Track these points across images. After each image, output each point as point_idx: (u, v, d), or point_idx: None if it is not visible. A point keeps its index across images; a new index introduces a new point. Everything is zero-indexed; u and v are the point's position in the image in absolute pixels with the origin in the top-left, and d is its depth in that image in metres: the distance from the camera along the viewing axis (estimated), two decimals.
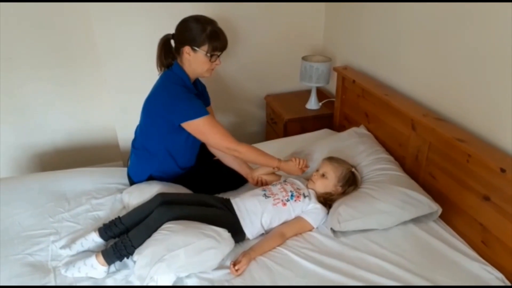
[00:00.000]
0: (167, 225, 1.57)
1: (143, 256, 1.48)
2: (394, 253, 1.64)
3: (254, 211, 1.72)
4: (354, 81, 2.41)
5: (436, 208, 1.77)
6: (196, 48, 1.78)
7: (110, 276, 1.54)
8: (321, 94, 2.95)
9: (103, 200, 1.95)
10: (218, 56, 1.85)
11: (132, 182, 2.01)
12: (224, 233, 1.57)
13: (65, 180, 2.06)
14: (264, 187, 1.86)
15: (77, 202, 1.92)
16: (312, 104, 2.80)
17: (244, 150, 1.85)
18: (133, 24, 2.47)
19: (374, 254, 1.63)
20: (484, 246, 1.65)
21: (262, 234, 1.75)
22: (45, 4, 2.39)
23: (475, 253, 1.66)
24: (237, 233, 1.67)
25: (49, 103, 2.67)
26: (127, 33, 2.48)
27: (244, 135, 3.04)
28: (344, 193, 1.85)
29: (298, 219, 1.76)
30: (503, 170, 1.50)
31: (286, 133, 2.70)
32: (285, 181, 1.90)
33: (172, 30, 1.87)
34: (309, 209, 1.77)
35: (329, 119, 2.75)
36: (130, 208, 1.77)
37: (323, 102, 2.83)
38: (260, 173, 1.98)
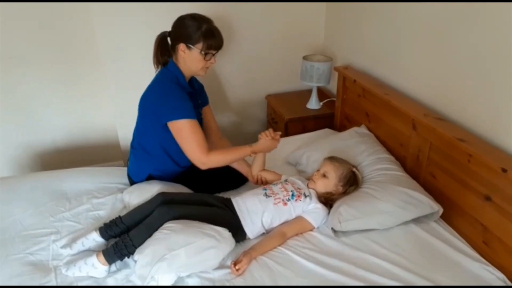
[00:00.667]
0: (167, 225, 1.57)
1: (144, 256, 1.48)
2: (395, 253, 1.63)
3: (255, 210, 1.72)
4: (355, 80, 2.41)
5: (437, 208, 1.77)
6: (191, 45, 1.78)
7: (111, 276, 1.54)
8: (322, 93, 2.95)
9: (104, 199, 1.95)
10: (213, 54, 1.84)
11: (132, 182, 2.02)
12: (225, 233, 1.57)
13: (66, 179, 2.06)
14: (265, 186, 1.86)
15: (78, 201, 1.92)
16: (313, 103, 2.80)
17: (214, 157, 1.80)
18: (134, 23, 2.47)
19: (375, 254, 1.63)
20: (485, 246, 1.65)
21: (263, 233, 1.75)
22: (46, 3, 2.39)
23: (476, 253, 1.66)
24: (238, 233, 1.67)
25: (50, 102, 2.67)
26: (128, 32, 2.48)
27: (244, 135, 3.04)
28: (345, 193, 1.84)
29: (299, 218, 1.76)
30: (504, 170, 1.50)
31: (287, 133, 2.70)
32: (286, 180, 1.90)
33: None
34: (310, 209, 1.77)
35: (330, 118, 2.75)
36: (131, 208, 1.77)
37: (324, 101, 2.83)
38: (256, 171, 1.97)
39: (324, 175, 1.85)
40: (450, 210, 1.79)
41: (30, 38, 2.46)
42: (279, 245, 1.67)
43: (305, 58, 2.68)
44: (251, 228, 1.71)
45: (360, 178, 1.92)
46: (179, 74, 1.85)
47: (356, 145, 2.16)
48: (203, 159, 1.79)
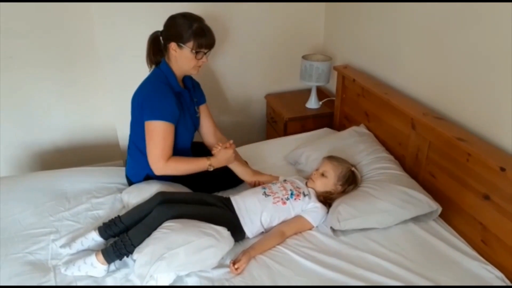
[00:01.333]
0: (166, 224, 1.57)
1: (143, 255, 1.48)
2: (394, 252, 1.64)
3: (254, 209, 1.72)
4: (354, 80, 2.41)
5: (436, 207, 1.77)
6: (182, 44, 1.78)
7: (110, 275, 1.54)
8: (321, 93, 2.95)
9: (103, 199, 1.95)
10: (205, 53, 1.83)
11: (130, 183, 2.01)
12: (224, 232, 1.57)
13: (66, 179, 2.06)
14: (264, 185, 1.86)
15: (77, 201, 1.92)
16: (312, 103, 2.80)
17: (171, 164, 1.80)
18: (134, 24, 2.47)
19: (374, 253, 1.63)
20: (484, 245, 1.65)
21: (262, 232, 1.75)
22: (46, 4, 2.39)
23: (475, 252, 1.66)
24: (237, 232, 1.67)
25: (50, 102, 2.67)
26: (128, 33, 2.48)
27: (244, 135, 3.04)
28: (344, 192, 1.85)
29: (298, 218, 1.76)
30: (503, 169, 1.50)
31: (286, 132, 2.70)
32: (285, 180, 1.90)
33: None
34: (309, 208, 1.77)
35: (329, 118, 2.75)
36: (130, 208, 1.77)
37: (323, 101, 2.83)
38: (247, 178, 1.97)
39: (323, 174, 1.85)
40: (449, 209, 1.79)
41: (30, 38, 2.46)
42: (278, 244, 1.67)
43: (304, 57, 2.68)
44: (250, 227, 1.71)
45: (359, 177, 1.92)
46: (170, 74, 1.85)
47: (355, 144, 2.16)
48: (160, 163, 1.78)
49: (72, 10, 2.46)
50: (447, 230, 1.77)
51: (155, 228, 1.57)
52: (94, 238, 1.64)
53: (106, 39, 2.46)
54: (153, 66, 1.92)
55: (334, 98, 2.74)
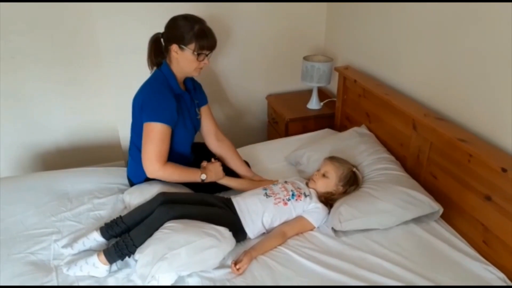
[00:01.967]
0: (168, 224, 1.57)
1: (145, 255, 1.48)
2: (395, 253, 1.64)
3: (255, 210, 1.72)
4: (355, 81, 2.41)
5: (437, 208, 1.77)
6: (183, 46, 1.77)
7: (112, 275, 1.54)
8: (322, 94, 2.95)
9: (105, 199, 1.95)
10: (206, 55, 1.84)
11: (132, 184, 2.01)
12: (225, 232, 1.58)
13: (67, 179, 2.06)
14: (265, 186, 1.86)
15: (79, 201, 1.93)
16: (314, 104, 2.80)
17: (169, 169, 1.80)
18: (136, 23, 2.47)
19: (375, 254, 1.63)
20: (486, 246, 1.65)
21: (263, 233, 1.75)
22: (47, 3, 2.40)
23: (477, 253, 1.66)
24: (238, 232, 1.67)
25: (51, 102, 2.68)
26: (129, 32, 2.49)
27: (245, 135, 3.04)
28: (345, 193, 1.85)
29: (299, 218, 1.76)
30: (504, 170, 1.50)
31: (288, 133, 2.70)
32: (285, 181, 1.90)
33: None
34: (310, 209, 1.78)
35: (331, 119, 2.75)
36: (131, 208, 1.78)
37: (324, 102, 2.83)
38: (245, 189, 1.96)
39: (324, 175, 1.85)
40: (450, 210, 1.79)
41: (31, 39, 2.47)
42: (280, 245, 1.67)
43: (305, 58, 2.68)
44: (252, 228, 1.71)
45: (361, 178, 1.92)
46: (171, 76, 1.85)
47: (357, 145, 2.17)
48: (155, 166, 1.77)
49: (74, 11, 2.47)
50: (449, 231, 1.77)
51: (156, 229, 1.57)
52: (96, 239, 1.64)
53: (108, 39, 2.47)
54: (154, 68, 1.92)
55: (335, 99, 2.75)
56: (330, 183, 1.84)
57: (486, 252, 1.65)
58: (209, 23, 1.85)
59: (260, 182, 2.01)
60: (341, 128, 2.64)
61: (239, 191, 1.93)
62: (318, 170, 1.89)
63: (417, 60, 2.08)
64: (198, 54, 1.80)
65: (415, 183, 1.88)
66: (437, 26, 1.91)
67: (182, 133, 1.91)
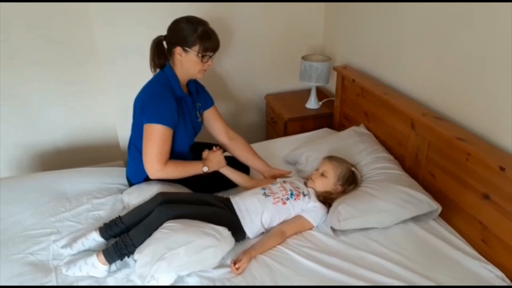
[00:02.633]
0: (167, 224, 1.57)
1: (144, 255, 1.48)
2: (394, 252, 1.64)
3: (254, 210, 1.72)
4: (353, 80, 2.41)
5: (436, 206, 1.78)
6: (187, 48, 1.78)
7: (111, 275, 1.55)
8: (321, 93, 2.96)
9: (104, 199, 1.95)
10: (210, 57, 1.84)
11: (131, 184, 2.01)
12: (225, 232, 1.58)
13: (66, 179, 2.06)
14: (264, 186, 1.87)
15: (78, 201, 1.93)
16: (312, 103, 2.80)
17: (170, 168, 1.80)
18: (134, 24, 2.47)
19: (374, 253, 1.63)
20: (484, 245, 1.66)
21: (262, 232, 1.75)
22: (45, 3, 2.39)
23: (475, 251, 1.67)
24: (238, 232, 1.67)
25: (50, 102, 2.67)
26: (128, 32, 2.49)
27: (244, 135, 3.02)
28: (344, 192, 1.85)
29: (298, 217, 1.76)
30: (502, 169, 1.50)
31: (286, 132, 2.70)
32: (284, 180, 1.90)
33: None
34: (309, 208, 1.78)
35: (329, 118, 2.75)
36: (130, 208, 1.78)
37: (323, 101, 2.83)
38: (245, 185, 1.97)
39: (323, 174, 1.85)
40: (449, 209, 1.80)
41: (30, 39, 2.46)
42: (279, 244, 1.68)
43: (304, 58, 2.69)
44: (251, 228, 1.71)
45: (359, 177, 1.92)
46: (173, 78, 1.85)
47: (355, 144, 2.17)
48: (157, 166, 1.77)
49: (72, 11, 2.46)
50: (447, 230, 1.77)
51: (155, 229, 1.57)
52: (95, 239, 1.64)
53: (106, 39, 2.47)
54: (157, 70, 1.92)
55: (333, 98, 2.75)
56: (328, 182, 1.84)
57: (485, 250, 1.65)
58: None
59: (260, 181, 2.00)
60: (339, 127, 2.65)
61: (240, 189, 1.93)
62: (317, 170, 1.89)
63: (416, 59, 2.08)
64: (203, 56, 1.80)
65: (414, 182, 1.88)
66: (436, 25, 1.92)
67: (182, 135, 1.91)
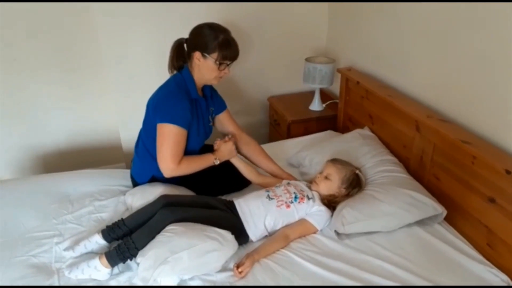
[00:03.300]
0: (170, 227, 1.56)
1: (147, 258, 1.47)
2: (399, 256, 1.63)
3: (258, 213, 1.71)
4: (358, 82, 2.40)
5: (440, 210, 1.76)
6: (206, 54, 1.79)
7: (114, 278, 1.54)
8: (325, 95, 2.95)
9: (106, 202, 1.95)
10: (228, 65, 1.85)
11: (135, 183, 2.02)
12: (228, 235, 1.57)
13: (69, 182, 2.06)
14: (268, 188, 1.86)
15: (81, 204, 1.92)
16: (316, 105, 2.79)
17: (183, 166, 1.82)
18: (137, 26, 2.48)
19: (378, 257, 1.62)
20: (490, 249, 1.64)
21: (266, 236, 1.74)
22: (48, 5, 2.40)
23: (481, 255, 1.65)
24: (241, 235, 1.67)
25: (53, 105, 2.68)
26: (131, 35, 2.49)
27: None
28: (348, 195, 1.84)
29: (302, 221, 1.75)
30: (508, 172, 1.49)
31: (290, 134, 2.69)
32: (288, 183, 1.89)
33: (175, 34, 1.89)
34: (313, 211, 1.77)
35: (333, 120, 2.74)
36: (133, 210, 1.78)
37: (326, 103, 2.82)
38: (254, 180, 1.98)
39: (327, 178, 1.84)
40: (454, 212, 1.78)
41: (33, 41, 2.47)
42: (282, 248, 1.66)
43: (307, 59, 2.68)
44: (254, 231, 1.70)
45: (364, 180, 1.91)
46: (190, 81, 1.86)
47: (359, 147, 2.16)
48: (171, 166, 1.79)
49: (75, 13, 2.47)
50: (452, 233, 1.76)
51: (158, 232, 1.56)
52: (98, 241, 1.64)
53: (109, 41, 2.47)
54: (174, 71, 1.92)
55: (337, 101, 2.74)
56: (333, 185, 1.83)
57: (490, 254, 1.64)
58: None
59: (268, 178, 2.01)
60: (343, 130, 2.64)
61: (243, 192, 1.93)
62: (321, 173, 1.88)
63: (421, 61, 2.07)
64: (220, 64, 1.81)
65: (419, 185, 1.87)
66: (440, 27, 1.90)
67: (194, 137, 1.91)
